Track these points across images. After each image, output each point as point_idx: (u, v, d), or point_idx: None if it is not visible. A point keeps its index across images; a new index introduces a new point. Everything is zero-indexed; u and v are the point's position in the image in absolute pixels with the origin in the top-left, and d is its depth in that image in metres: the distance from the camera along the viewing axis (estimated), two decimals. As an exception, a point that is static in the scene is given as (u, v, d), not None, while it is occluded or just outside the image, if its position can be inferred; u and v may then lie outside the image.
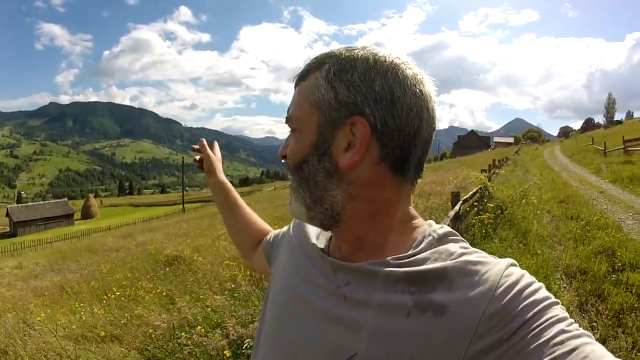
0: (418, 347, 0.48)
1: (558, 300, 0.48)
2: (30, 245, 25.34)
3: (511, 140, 79.32)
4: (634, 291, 3.81)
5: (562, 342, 0.43)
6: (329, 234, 0.68)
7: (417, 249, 0.56)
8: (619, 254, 4.72)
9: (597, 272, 4.32)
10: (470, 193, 6.87)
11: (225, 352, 2.90)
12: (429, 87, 0.58)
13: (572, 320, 0.46)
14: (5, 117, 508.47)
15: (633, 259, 4.55)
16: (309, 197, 0.59)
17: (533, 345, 0.43)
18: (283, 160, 0.64)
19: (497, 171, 12.01)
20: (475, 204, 6.77)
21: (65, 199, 70.47)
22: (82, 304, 5.02)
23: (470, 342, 0.45)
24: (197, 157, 1.05)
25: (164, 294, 4.92)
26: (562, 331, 0.44)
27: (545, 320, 0.45)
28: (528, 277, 0.50)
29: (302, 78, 0.62)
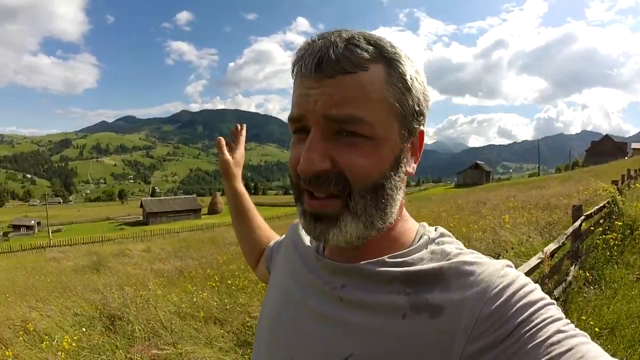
0: (414, 349, 0.48)
1: (554, 301, 0.48)
2: (159, 234, 28.88)
3: (652, 146, 67.62)
4: None
5: (558, 342, 0.42)
6: None
7: (413, 248, 0.56)
8: None
9: None
10: (596, 208, 6.07)
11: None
12: None
13: (568, 320, 0.46)
14: (142, 123, 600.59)
15: None
16: (381, 216, 0.53)
17: (530, 346, 0.43)
18: (303, 175, 0.52)
19: (631, 183, 10.43)
20: (601, 221, 5.98)
21: (194, 195, 78.08)
22: (195, 287, 5.53)
23: (466, 343, 0.45)
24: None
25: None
26: (559, 331, 0.43)
27: (542, 321, 0.44)
28: (523, 278, 0.49)
29: (356, 64, 0.49)
